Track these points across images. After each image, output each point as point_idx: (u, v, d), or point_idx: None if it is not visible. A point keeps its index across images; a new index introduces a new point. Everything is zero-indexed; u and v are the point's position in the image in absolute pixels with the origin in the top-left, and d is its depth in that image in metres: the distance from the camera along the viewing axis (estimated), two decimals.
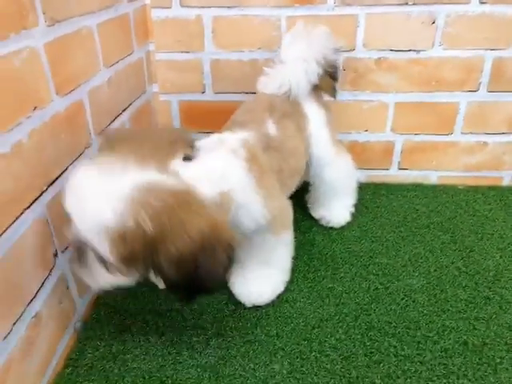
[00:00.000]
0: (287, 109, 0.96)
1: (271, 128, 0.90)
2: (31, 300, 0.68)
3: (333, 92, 1.12)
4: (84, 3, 0.86)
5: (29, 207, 0.67)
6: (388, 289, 0.93)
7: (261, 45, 1.24)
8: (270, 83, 1.02)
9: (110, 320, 0.86)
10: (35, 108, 0.69)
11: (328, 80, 1.08)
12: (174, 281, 0.59)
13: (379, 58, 1.24)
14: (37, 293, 0.70)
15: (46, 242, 0.73)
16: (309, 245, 1.07)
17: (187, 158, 0.68)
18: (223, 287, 0.63)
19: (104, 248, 0.56)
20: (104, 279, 0.63)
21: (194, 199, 0.59)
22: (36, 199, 0.70)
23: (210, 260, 0.59)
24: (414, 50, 1.23)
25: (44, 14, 0.71)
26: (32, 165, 0.68)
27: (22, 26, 0.65)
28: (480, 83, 1.26)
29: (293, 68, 1.00)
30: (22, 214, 0.66)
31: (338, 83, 1.13)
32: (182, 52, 1.26)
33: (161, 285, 0.71)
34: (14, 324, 0.64)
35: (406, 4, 1.17)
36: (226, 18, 1.22)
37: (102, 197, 0.56)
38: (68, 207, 0.58)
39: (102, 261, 0.59)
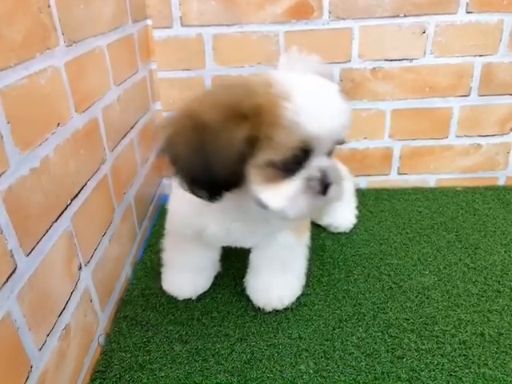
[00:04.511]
0: None
1: None
2: (61, 311, 0.69)
3: None
4: (96, 24, 0.89)
5: (56, 220, 0.69)
6: (402, 287, 0.96)
7: (260, 60, 1.28)
8: None
9: (132, 332, 0.86)
10: (58, 124, 0.71)
11: None
12: None
13: (374, 68, 1.29)
14: (66, 305, 0.71)
15: (71, 254, 0.74)
16: (320, 250, 1.10)
17: None
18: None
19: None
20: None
21: None
22: (62, 213, 0.71)
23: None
24: (407, 59, 1.29)
25: (63, 34, 0.74)
26: (58, 179, 0.70)
27: (45, 46, 0.68)
28: (471, 88, 1.31)
29: None
30: (50, 227, 0.67)
31: None
32: (183, 70, 1.30)
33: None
34: (48, 335, 0.64)
35: (398, 16, 1.23)
36: (226, 35, 1.26)
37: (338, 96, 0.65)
38: (321, 111, 0.62)
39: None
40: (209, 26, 1.25)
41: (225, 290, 0.97)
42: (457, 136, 1.38)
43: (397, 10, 1.22)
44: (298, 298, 0.92)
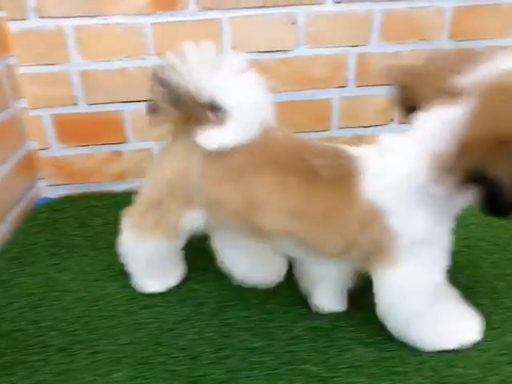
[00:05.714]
0: None
1: None
2: None
3: None
4: None
5: None
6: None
7: (128, 53, 1.22)
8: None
9: None
10: None
11: None
12: None
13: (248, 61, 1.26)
14: None
15: None
16: None
17: None
18: None
19: None
20: None
21: None
22: None
23: None
24: (282, 51, 1.26)
25: None
26: None
27: None
28: (348, 79, 1.31)
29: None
30: None
31: None
32: (46, 65, 1.22)
33: None
34: None
35: (266, 6, 1.20)
36: (89, 27, 1.19)
37: None
38: None
39: None
40: (69, 17, 1.18)
41: (66, 295, 0.90)
42: (340, 128, 1.37)
43: (264, 0, 1.20)
44: (137, 301, 0.87)
